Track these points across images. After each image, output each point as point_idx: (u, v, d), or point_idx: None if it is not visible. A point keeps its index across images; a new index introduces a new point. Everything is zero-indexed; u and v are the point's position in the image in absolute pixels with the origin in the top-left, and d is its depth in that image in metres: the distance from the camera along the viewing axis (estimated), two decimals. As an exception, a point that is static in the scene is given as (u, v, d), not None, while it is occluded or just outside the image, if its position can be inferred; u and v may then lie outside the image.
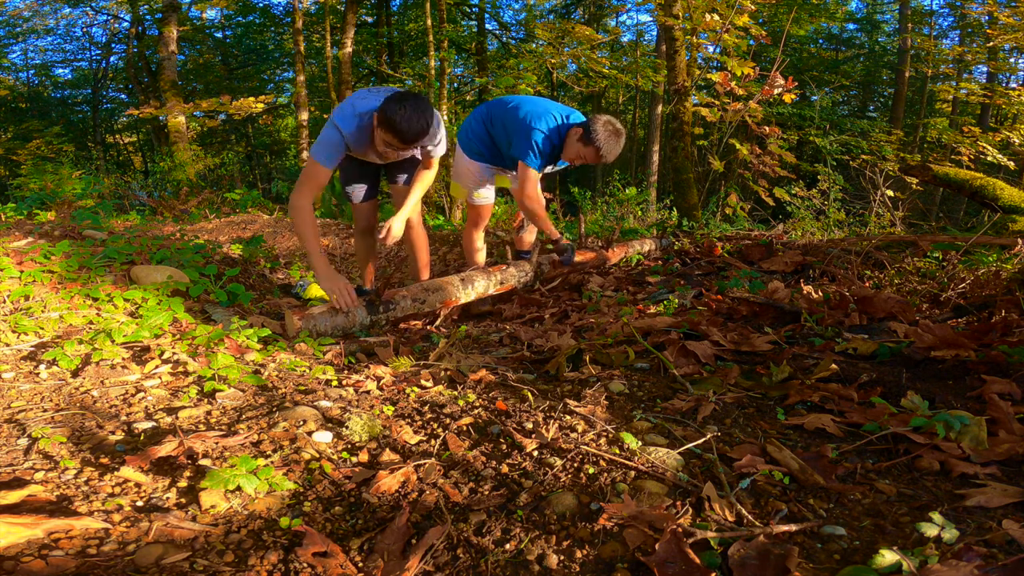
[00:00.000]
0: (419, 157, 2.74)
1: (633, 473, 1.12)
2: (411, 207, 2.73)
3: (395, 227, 2.65)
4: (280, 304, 2.87)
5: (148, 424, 1.35)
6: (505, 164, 3.12)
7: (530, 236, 3.46)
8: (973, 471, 1.11)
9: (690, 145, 5.72)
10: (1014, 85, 11.73)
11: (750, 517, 0.97)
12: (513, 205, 6.99)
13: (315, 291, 2.92)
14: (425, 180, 2.75)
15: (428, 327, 2.68)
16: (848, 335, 1.87)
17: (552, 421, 1.36)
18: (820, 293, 2.39)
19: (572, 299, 3.03)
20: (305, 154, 9.57)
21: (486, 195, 3.19)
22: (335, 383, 1.71)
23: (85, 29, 15.84)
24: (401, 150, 2.38)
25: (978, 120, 12.15)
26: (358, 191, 2.92)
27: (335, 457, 1.24)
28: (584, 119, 2.92)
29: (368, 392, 1.63)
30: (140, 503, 1.05)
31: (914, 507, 1.02)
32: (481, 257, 3.38)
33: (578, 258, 3.50)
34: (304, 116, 9.40)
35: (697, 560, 0.86)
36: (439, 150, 2.65)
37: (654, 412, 1.42)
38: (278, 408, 1.46)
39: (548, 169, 3.07)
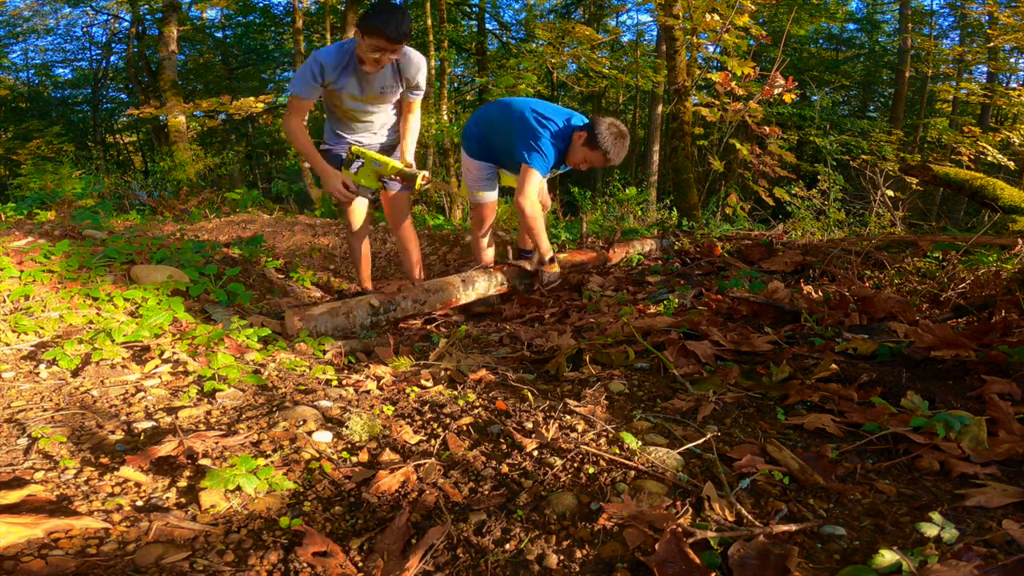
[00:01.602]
0: (404, 92, 2.70)
1: (633, 473, 1.12)
2: (411, 152, 2.79)
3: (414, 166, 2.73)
4: (280, 304, 2.87)
5: (148, 424, 1.35)
6: (504, 163, 3.11)
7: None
8: (973, 471, 1.11)
9: (690, 145, 5.72)
10: (1014, 85, 11.72)
11: (750, 517, 0.97)
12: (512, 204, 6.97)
13: (361, 175, 2.74)
14: (414, 126, 2.78)
15: (428, 326, 2.69)
16: (848, 335, 1.87)
17: (552, 421, 1.36)
18: (820, 293, 2.39)
19: (572, 299, 3.03)
20: (305, 153, 9.56)
21: (488, 195, 3.19)
22: (335, 383, 1.71)
23: (85, 29, 15.86)
24: (391, 51, 2.39)
25: (978, 120, 12.15)
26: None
27: (335, 457, 1.24)
28: (586, 121, 2.89)
29: (368, 392, 1.63)
30: (140, 503, 1.05)
31: (914, 507, 1.02)
32: (489, 255, 3.36)
33: (578, 258, 3.50)
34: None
35: (697, 560, 0.86)
36: (421, 81, 2.66)
37: (654, 412, 1.42)
38: (278, 408, 1.46)
39: (549, 174, 3.02)
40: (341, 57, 2.48)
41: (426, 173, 2.70)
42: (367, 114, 2.73)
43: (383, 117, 2.79)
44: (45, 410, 1.42)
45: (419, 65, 2.62)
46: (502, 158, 3.06)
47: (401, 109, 2.81)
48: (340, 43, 2.51)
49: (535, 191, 2.84)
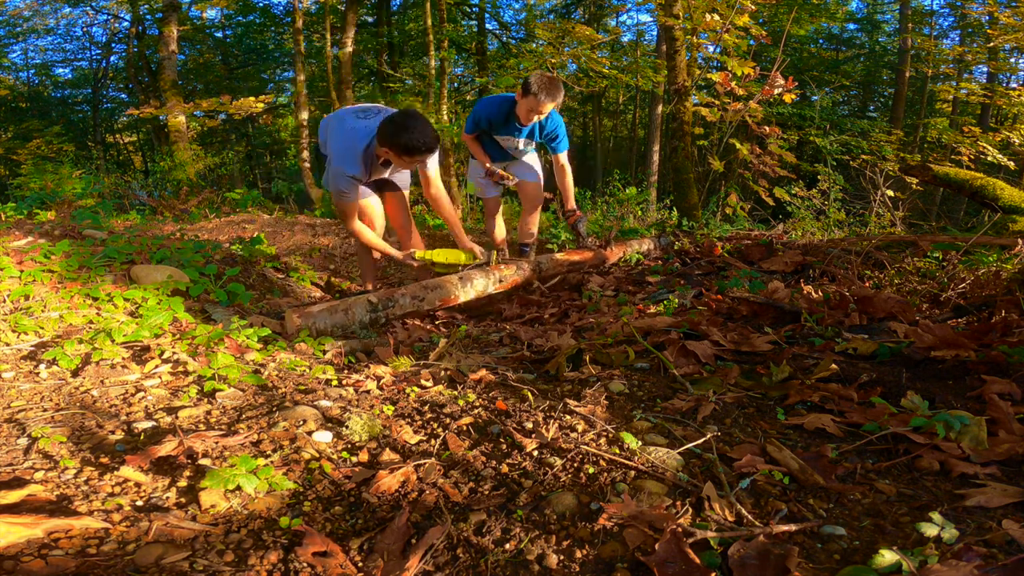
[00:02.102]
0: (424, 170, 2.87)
1: (633, 473, 1.12)
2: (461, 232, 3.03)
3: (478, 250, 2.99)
4: (280, 304, 2.87)
5: (148, 424, 1.35)
6: (499, 158, 3.48)
7: (532, 227, 3.70)
8: (973, 471, 1.11)
9: (690, 145, 5.71)
10: (1014, 85, 11.72)
11: (750, 517, 0.97)
12: (513, 205, 6.99)
13: (439, 256, 2.95)
14: (444, 198, 2.95)
15: (429, 326, 2.69)
16: (848, 335, 1.87)
17: (552, 421, 1.36)
18: (820, 293, 2.39)
19: (572, 299, 3.03)
20: (305, 153, 9.58)
21: (493, 190, 3.61)
22: (335, 383, 1.71)
23: (85, 29, 15.84)
24: (420, 162, 2.65)
25: (978, 120, 12.15)
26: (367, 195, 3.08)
27: (335, 457, 1.24)
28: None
29: (368, 392, 1.63)
30: (140, 503, 1.05)
31: (914, 507, 1.02)
32: (501, 233, 3.76)
33: (577, 257, 3.51)
34: (304, 116, 9.40)
35: (697, 560, 0.86)
36: (433, 162, 2.82)
37: (654, 412, 1.42)
38: (278, 408, 1.46)
39: (505, 137, 3.36)
40: (367, 167, 2.66)
41: (495, 255, 3.05)
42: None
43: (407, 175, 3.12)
44: (45, 410, 1.42)
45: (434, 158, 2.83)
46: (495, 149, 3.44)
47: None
48: (355, 151, 2.61)
49: (465, 136, 3.47)
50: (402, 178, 3.10)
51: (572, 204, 3.57)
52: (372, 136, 2.59)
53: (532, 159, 3.61)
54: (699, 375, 1.66)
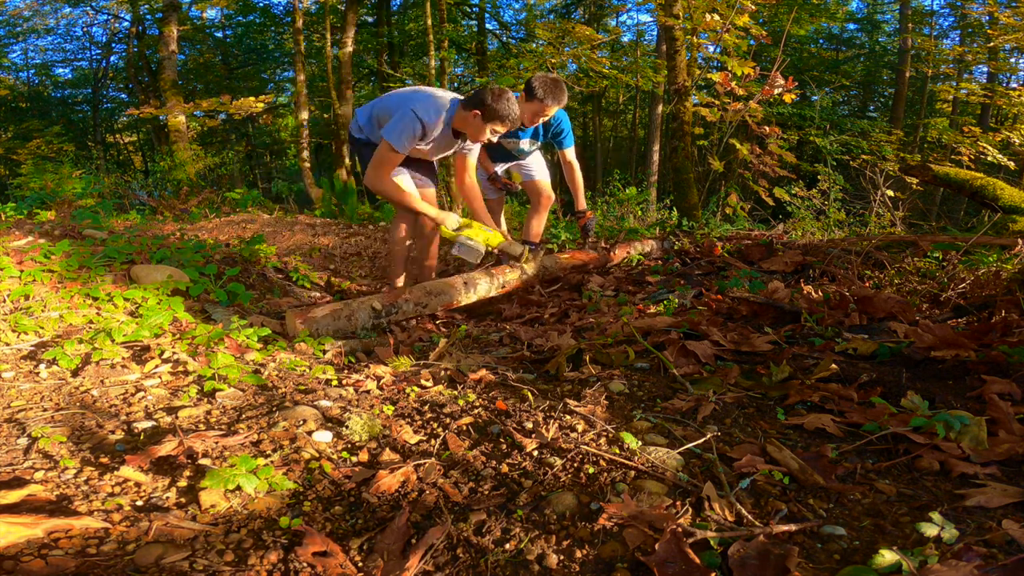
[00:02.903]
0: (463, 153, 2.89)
1: (633, 473, 1.12)
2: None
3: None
4: (280, 304, 2.87)
5: (148, 423, 1.35)
6: (502, 159, 3.47)
7: (538, 227, 3.65)
8: (973, 471, 1.11)
9: (690, 145, 5.71)
10: (1014, 85, 11.72)
11: (750, 517, 0.97)
12: (513, 205, 6.99)
13: (476, 233, 2.85)
14: (477, 189, 3.00)
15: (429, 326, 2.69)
16: (848, 335, 1.87)
17: (552, 421, 1.36)
18: (820, 293, 2.39)
19: (572, 299, 3.03)
20: (305, 153, 9.59)
21: (493, 193, 3.57)
22: (335, 383, 1.71)
23: (85, 29, 15.84)
24: (495, 133, 2.61)
25: (978, 120, 12.14)
26: (427, 178, 3.03)
27: (335, 457, 1.24)
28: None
29: (368, 392, 1.63)
30: (140, 503, 1.05)
31: (914, 507, 1.02)
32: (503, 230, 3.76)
33: (582, 259, 3.51)
34: (304, 116, 9.40)
35: (697, 560, 0.86)
36: (475, 153, 2.89)
37: (654, 412, 1.42)
38: (278, 408, 1.46)
39: (510, 139, 3.31)
40: (441, 123, 2.62)
41: (527, 250, 2.98)
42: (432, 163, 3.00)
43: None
44: (45, 410, 1.42)
45: None
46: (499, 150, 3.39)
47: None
48: (438, 106, 2.60)
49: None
50: (431, 177, 3.08)
51: (583, 204, 3.57)
52: (455, 107, 2.62)
53: (537, 158, 3.60)
54: (699, 375, 1.66)
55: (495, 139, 2.65)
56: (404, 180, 2.76)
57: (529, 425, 1.36)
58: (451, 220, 2.76)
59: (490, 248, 2.88)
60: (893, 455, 1.20)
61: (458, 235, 2.76)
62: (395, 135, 2.50)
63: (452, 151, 2.84)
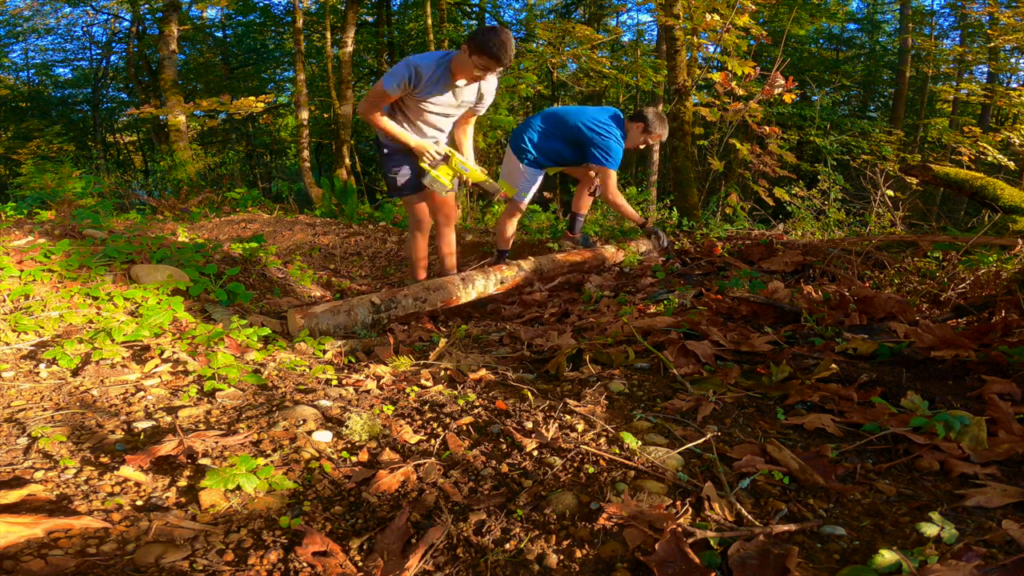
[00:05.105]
0: (475, 106, 2.95)
1: (633, 473, 1.12)
2: (470, 151, 3.08)
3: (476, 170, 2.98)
4: (280, 303, 2.87)
5: (148, 423, 1.35)
6: (556, 164, 3.66)
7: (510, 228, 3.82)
8: (973, 471, 1.11)
9: (690, 145, 5.71)
10: (1015, 85, 11.72)
11: (750, 517, 0.97)
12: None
13: (443, 172, 2.93)
14: (472, 138, 3.09)
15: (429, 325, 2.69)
16: (848, 335, 1.87)
17: (552, 421, 1.36)
18: (820, 293, 2.39)
19: (572, 299, 3.03)
20: (305, 153, 9.59)
21: (531, 195, 3.73)
22: (335, 382, 1.71)
23: (85, 28, 15.83)
24: (495, 72, 2.68)
25: (978, 120, 12.14)
26: (406, 180, 3.09)
27: (335, 456, 1.24)
28: (620, 113, 3.58)
29: (368, 391, 1.63)
30: (140, 502, 1.05)
31: (914, 507, 1.02)
32: (511, 230, 3.83)
33: (577, 257, 3.52)
34: (304, 115, 9.40)
35: (697, 560, 0.86)
36: (491, 98, 2.94)
37: (654, 412, 1.42)
38: (278, 407, 1.46)
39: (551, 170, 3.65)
40: (437, 68, 2.69)
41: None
42: (442, 120, 2.95)
43: (448, 126, 3.03)
44: (45, 409, 1.42)
45: (496, 85, 2.97)
46: (568, 158, 3.60)
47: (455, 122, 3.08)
48: (435, 54, 2.71)
49: (616, 184, 3.63)
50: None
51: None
52: (453, 55, 2.70)
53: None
54: (699, 375, 1.66)
55: (483, 76, 2.69)
56: (386, 120, 2.83)
57: (529, 425, 1.36)
58: (428, 155, 2.84)
59: (467, 181, 2.97)
60: (893, 455, 1.20)
61: (429, 171, 2.85)
62: (388, 76, 2.68)
63: (459, 104, 2.88)
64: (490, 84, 2.88)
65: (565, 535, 0.96)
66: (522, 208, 3.76)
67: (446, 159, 2.85)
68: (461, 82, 2.72)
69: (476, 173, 2.90)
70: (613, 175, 3.53)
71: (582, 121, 3.44)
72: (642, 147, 3.70)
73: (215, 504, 1.03)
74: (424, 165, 2.85)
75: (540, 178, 3.67)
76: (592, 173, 3.77)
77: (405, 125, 2.90)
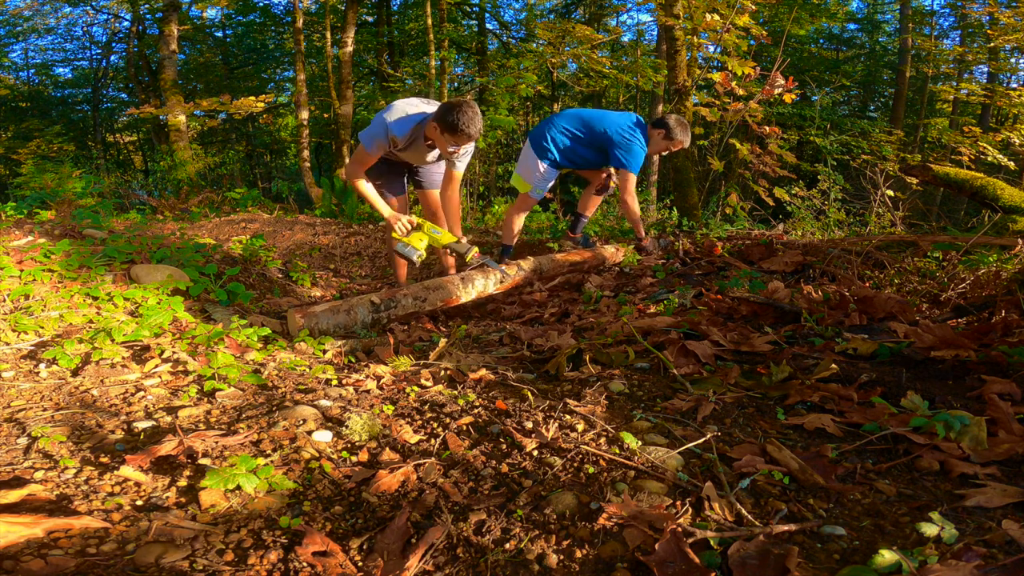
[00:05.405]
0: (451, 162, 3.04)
1: (633, 473, 1.12)
2: (458, 227, 3.14)
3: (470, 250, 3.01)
4: (280, 303, 2.87)
5: (148, 423, 1.35)
6: (576, 167, 3.75)
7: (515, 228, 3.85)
8: (973, 471, 1.11)
9: (690, 145, 5.71)
10: (1015, 85, 11.72)
11: (750, 517, 0.97)
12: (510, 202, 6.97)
13: (414, 239, 2.96)
14: (457, 203, 3.15)
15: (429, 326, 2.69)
16: (848, 335, 1.87)
17: (552, 421, 1.36)
18: (820, 293, 2.39)
19: (572, 299, 3.03)
20: (306, 153, 9.59)
21: (544, 192, 3.78)
22: (335, 382, 1.71)
23: (85, 28, 15.82)
24: (460, 144, 2.77)
25: (978, 120, 12.13)
26: (395, 187, 3.24)
27: (335, 456, 1.24)
28: (642, 119, 3.64)
29: (368, 391, 1.63)
30: (140, 502, 1.05)
31: (914, 507, 1.02)
32: (519, 226, 3.92)
33: (577, 257, 3.52)
34: (304, 115, 9.39)
35: (697, 560, 0.86)
36: (463, 162, 3.03)
37: (654, 412, 1.42)
38: (278, 407, 1.46)
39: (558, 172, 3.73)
40: (412, 133, 2.84)
41: (476, 250, 2.96)
42: (426, 157, 3.12)
43: (433, 156, 3.15)
44: (45, 409, 1.42)
45: (472, 150, 3.05)
46: (592, 160, 3.68)
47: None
48: (411, 119, 2.83)
49: (634, 188, 3.69)
50: (432, 179, 3.31)
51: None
52: (427, 119, 2.81)
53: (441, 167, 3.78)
54: (699, 375, 1.66)
55: (457, 151, 2.82)
56: (368, 188, 2.97)
57: (529, 425, 1.36)
58: (400, 226, 2.91)
59: (439, 247, 3.00)
60: (893, 455, 1.20)
61: (401, 239, 2.92)
62: (368, 139, 2.85)
63: (438, 157, 3.05)
64: (469, 152, 3.00)
65: (565, 535, 0.96)
66: (532, 203, 3.82)
67: (418, 227, 2.93)
68: (436, 151, 2.90)
69: (447, 236, 2.96)
70: (632, 178, 3.59)
71: (611, 128, 3.53)
72: (664, 154, 3.77)
73: (215, 504, 1.03)
74: (395, 235, 2.93)
75: (555, 177, 3.74)
76: (604, 175, 3.82)
77: (387, 162, 3.07)
